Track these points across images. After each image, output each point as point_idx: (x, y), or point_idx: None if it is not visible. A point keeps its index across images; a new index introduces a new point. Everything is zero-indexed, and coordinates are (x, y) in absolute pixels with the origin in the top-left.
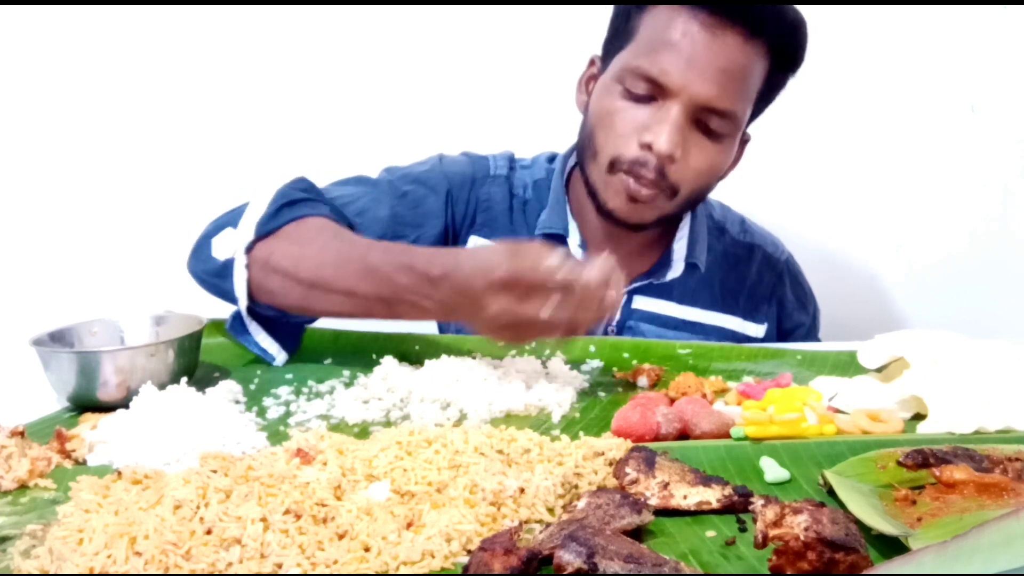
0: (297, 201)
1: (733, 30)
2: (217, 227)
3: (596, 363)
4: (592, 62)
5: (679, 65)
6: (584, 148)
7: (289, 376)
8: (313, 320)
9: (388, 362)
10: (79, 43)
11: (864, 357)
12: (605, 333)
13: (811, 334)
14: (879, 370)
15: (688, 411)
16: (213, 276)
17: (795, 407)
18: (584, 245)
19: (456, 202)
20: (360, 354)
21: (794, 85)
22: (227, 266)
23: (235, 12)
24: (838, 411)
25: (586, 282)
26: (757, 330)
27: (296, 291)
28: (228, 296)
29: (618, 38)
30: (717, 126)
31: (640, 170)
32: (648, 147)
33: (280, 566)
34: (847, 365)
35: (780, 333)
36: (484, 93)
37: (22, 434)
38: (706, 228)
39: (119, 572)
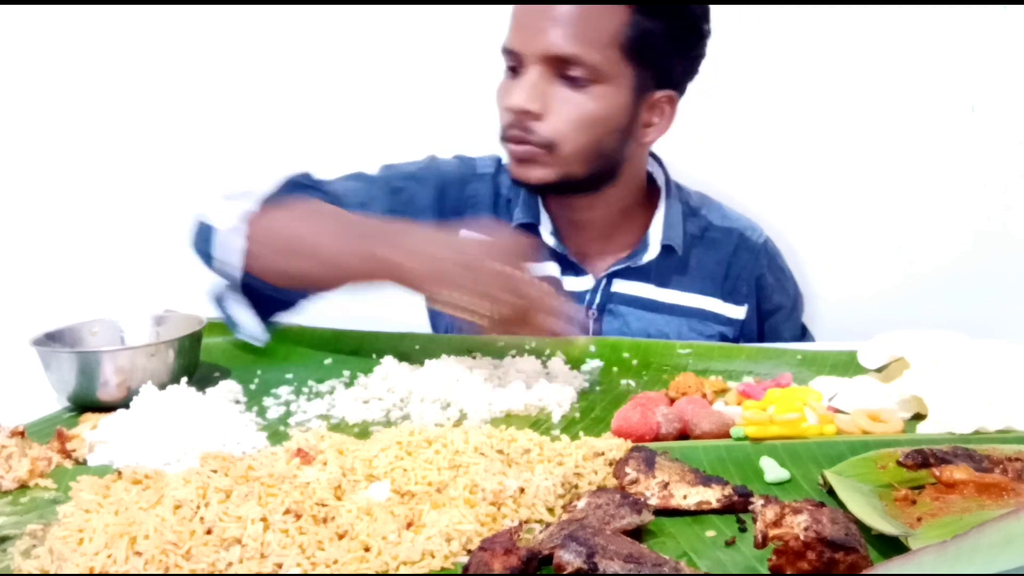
0: (301, 186)
1: None
2: (218, 202)
3: (596, 363)
4: None
5: (520, 29)
6: None
7: (289, 376)
8: (298, 297)
9: (388, 362)
10: (79, 43)
11: (864, 357)
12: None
13: (793, 317)
14: (879, 370)
15: (688, 411)
16: (206, 244)
17: (795, 407)
18: (556, 233)
19: (446, 198)
20: (360, 354)
21: (795, 86)
22: (225, 236)
23: (234, 16)
24: (838, 411)
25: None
26: (737, 311)
27: (287, 257)
28: (223, 267)
29: None
30: (578, 74)
31: (510, 132)
32: (511, 110)
33: (280, 566)
34: (847, 365)
35: (760, 315)
36: (477, 96)
37: (22, 434)
38: (681, 213)
39: (119, 572)
